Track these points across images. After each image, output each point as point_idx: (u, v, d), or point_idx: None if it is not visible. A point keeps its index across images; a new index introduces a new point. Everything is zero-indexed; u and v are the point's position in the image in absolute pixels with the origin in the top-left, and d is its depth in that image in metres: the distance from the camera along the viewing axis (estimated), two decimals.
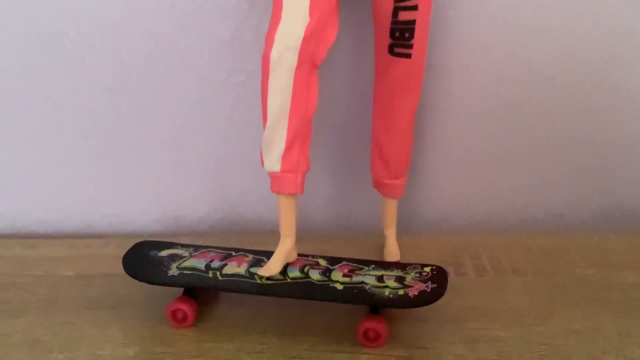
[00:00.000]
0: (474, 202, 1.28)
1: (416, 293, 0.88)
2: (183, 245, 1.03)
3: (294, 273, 0.94)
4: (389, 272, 0.95)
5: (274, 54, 0.86)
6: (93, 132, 1.21)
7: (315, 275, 0.94)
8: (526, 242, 1.19)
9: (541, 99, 1.20)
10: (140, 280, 0.93)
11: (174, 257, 0.98)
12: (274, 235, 0.96)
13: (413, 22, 0.94)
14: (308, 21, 0.86)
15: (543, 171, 1.25)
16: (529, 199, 1.27)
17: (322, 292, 0.90)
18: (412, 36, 0.95)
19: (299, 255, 0.98)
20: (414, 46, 0.95)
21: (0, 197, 1.25)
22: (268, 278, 0.92)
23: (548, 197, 1.27)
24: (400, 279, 0.93)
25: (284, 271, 0.94)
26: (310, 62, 0.88)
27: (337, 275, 0.94)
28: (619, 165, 1.25)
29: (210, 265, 0.96)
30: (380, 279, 0.93)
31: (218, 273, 0.94)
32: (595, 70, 1.18)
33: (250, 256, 1.00)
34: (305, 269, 0.96)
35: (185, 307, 0.92)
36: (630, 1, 1.14)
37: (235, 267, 0.96)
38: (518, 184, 1.26)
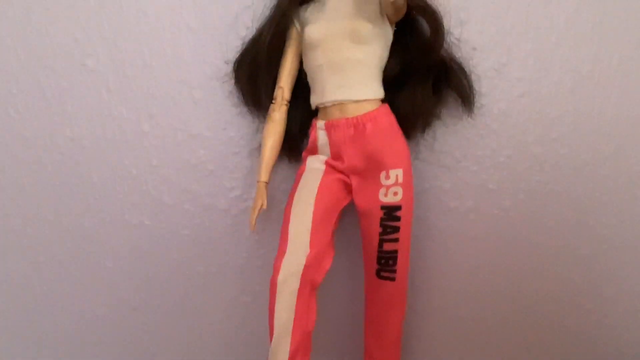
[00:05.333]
0: None
1: None
2: None
3: None
4: None
5: (280, 278, 0.98)
6: (115, 347, 1.29)
7: None
8: None
9: (525, 307, 1.25)
10: None
11: None
12: None
13: (396, 251, 1.06)
14: (309, 252, 1.00)
15: None
16: None
17: None
18: (395, 263, 1.06)
19: None
20: (397, 271, 1.07)
21: None
22: None
23: None
24: None
25: None
26: (310, 285, 1.01)
27: None
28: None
29: None
30: None
31: None
32: (580, 270, 1.23)
33: None
34: None
35: None
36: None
37: None
38: None
